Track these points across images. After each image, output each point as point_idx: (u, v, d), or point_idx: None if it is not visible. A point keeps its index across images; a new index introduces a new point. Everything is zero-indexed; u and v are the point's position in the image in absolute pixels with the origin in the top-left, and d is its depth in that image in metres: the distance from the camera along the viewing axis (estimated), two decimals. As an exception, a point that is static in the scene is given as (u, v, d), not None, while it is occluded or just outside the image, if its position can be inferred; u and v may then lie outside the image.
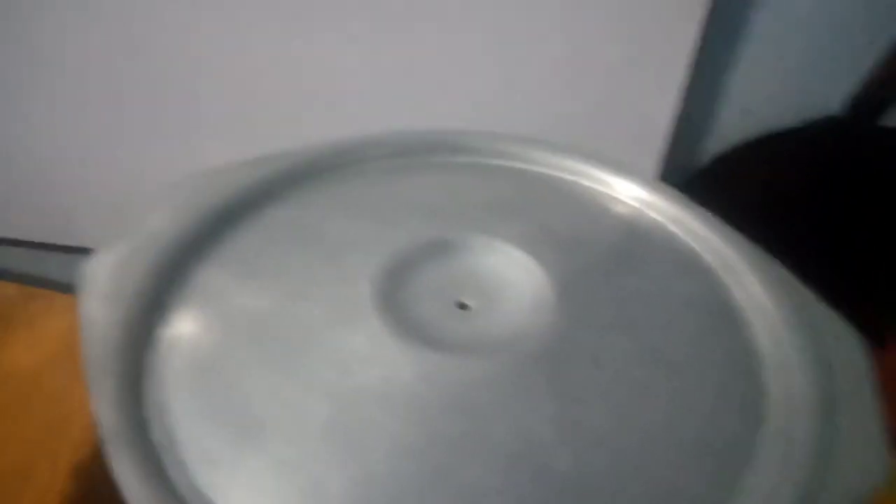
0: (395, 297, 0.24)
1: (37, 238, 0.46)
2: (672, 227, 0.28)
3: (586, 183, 0.30)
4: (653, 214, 0.29)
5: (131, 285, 0.24)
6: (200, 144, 0.47)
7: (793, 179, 0.46)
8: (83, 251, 0.24)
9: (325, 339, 0.22)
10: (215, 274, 0.25)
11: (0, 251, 0.46)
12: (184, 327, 0.23)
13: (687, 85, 0.42)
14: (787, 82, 0.46)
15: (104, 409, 0.20)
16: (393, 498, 0.19)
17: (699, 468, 0.20)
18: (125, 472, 0.19)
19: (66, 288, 0.37)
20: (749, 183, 0.47)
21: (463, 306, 0.24)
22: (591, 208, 0.29)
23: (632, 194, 0.29)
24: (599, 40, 0.43)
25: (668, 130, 0.43)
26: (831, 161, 0.47)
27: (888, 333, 0.44)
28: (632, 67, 0.42)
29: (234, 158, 0.28)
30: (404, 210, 0.27)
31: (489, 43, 0.44)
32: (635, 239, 0.28)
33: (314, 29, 0.45)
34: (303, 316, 0.23)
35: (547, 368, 0.22)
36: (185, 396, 0.21)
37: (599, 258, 0.26)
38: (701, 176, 0.49)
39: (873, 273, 0.45)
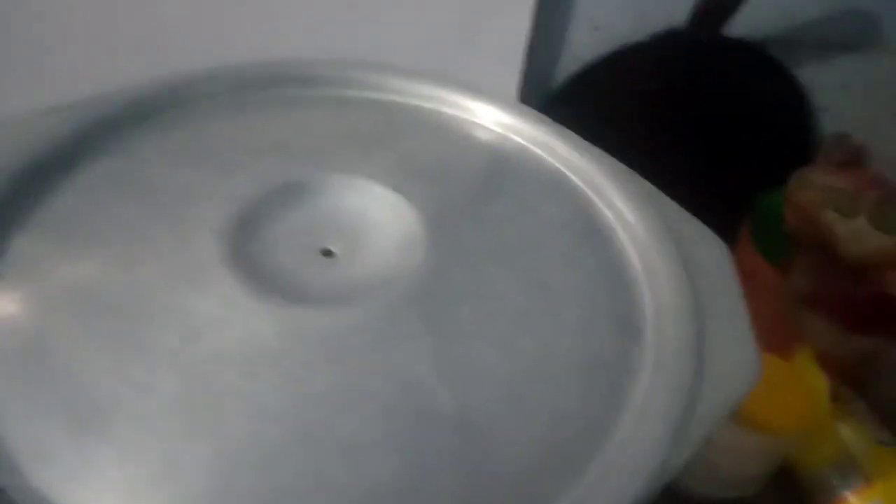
0: (246, 249, 0.21)
1: None
2: (537, 150, 0.28)
3: (447, 110, 0.29)
4: (517, 138, 0.28)
5: (-80, 266, 0.20)
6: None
7: (642, 91, 0.47)
8: None
9: (166, 304, 0.20)
10: (29, 242, 0.21)
11: None
12: (1, 307, 0.20)
13: (538, 4, 0.41)
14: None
15: None
16: (259, 465, 0.17)
17: (583, 389, 0.20)
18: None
19: None
20: (603, 98, 0.48)
21: (327, 253, 0.22)
22: (454, 136, 0.28)
23: (495, 119, 0.28)
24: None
25: (523, 51, 0.43)
26: (676, 72, 0.48)
27: (736, 232, 0.47)
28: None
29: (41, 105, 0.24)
30: (248, 152, 0.25)
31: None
32: (501, 164, 0.27)
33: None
34: (137, 281, 0.20)
35: (420, 308, 0.20)
36: (9, 387, 0.18)
37: (467, 187, 0.25)
38: (558, 96, 0.48)
39: (721, 174, 0.47)
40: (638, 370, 0.21)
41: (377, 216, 0.23)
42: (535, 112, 0.28)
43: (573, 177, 0.27)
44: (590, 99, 0.48)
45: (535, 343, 0.20)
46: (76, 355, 0.19)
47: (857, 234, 0.40)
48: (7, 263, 0.21)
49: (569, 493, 0.18)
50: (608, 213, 0.25)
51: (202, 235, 0.21)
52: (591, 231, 0.25)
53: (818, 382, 0.40)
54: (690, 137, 0.47)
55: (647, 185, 0.26)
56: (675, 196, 0.26)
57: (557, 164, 0.27)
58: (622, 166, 0.27)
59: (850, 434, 0.40)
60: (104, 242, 0.21)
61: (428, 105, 0.28)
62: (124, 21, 0.41)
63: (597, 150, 0.27)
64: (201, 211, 0.22)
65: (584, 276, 0.23)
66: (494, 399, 0.19)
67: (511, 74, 0.44)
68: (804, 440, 0.40)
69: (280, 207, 0.23)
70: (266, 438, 0.17)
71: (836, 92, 0.51)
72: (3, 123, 0.23)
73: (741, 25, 0.47)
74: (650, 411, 0.19)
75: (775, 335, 0.41)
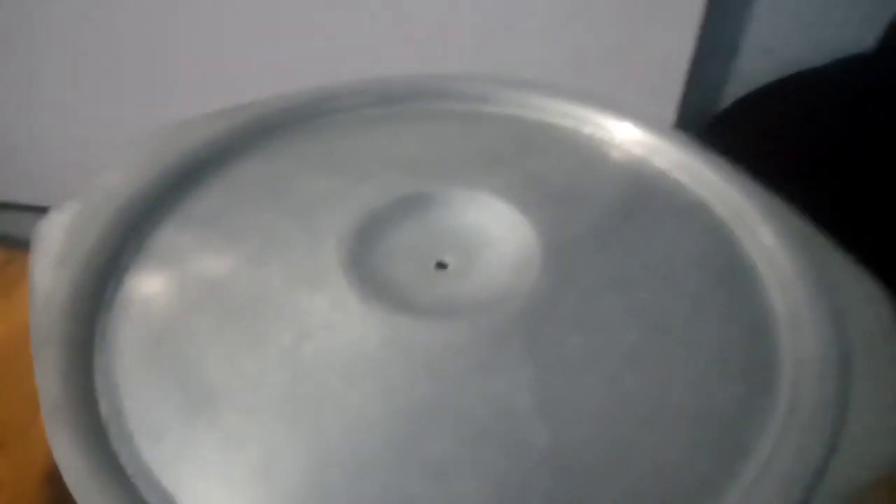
0: (365, 256, 0.22)
1: (22, 200, 0.45)
2: (680, 176, 0.26)
3: (586, 129, 0.28)
4: (659, 163, 0.26)
5: (84, 247, 0.22)
6: (166, 97, 0.45)
7: (819, 123, 0.43)
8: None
9: (286, 302, 0.21)
10: (174, 235, 0.23)
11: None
12: (138, 292, 0.22)
13: (704, 22, 0.39)
14: (811, 18, 0.42)
15: (47, 380, 0.19)
16: (351, 474, 0.17)
17: (696, 442, 0.18)
18: (64, 446, 0.17)
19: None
20: (771, 127, 0.43)
21: (441, 265, 0.22)
22: (590, 157, 0.27)
23: (636, 140, 0.27)
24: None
25: (685, 72, 0.40)
26: (861, 103, 0.43)
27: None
28: (645, 3, 0.39)
29: (200, 112, 0.27)
30: (381, 163, 0.25)
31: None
32: (637, 190, 0.25)
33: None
34: (264, 279, 0.21)
35: (527, 333, 0.20)
36: (137, 365, 0.20)
37: (595, 211, 0.24)
38: (720, 121, 0.45)
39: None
40: (764, 430, 0.18)
41: (496, 233, 0.23)
42: (683, 135, 0.26)
43: (718, 208, 0.25)
44: (755, 125, 0.44)
45: (647, 386, 0.19)
46: (196, 343, 0.20)
47: None
48: (152, 253, 0.23)
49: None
50: (754, 251, 0.23)
51: (326, 240, 0.22)
52: (730, 269, 0.23)
53: None
54: (872, 178, 0.42)
55: (806, 225, 0.24)
56: (842, 244, 0.23)
57: (701, 193, 0.25)
58: (778, 201, 0.24)
59: None
60: (238, 240, 0.23)
61: (566, 123, 0.27)
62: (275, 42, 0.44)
63: (750, 181, 0.25)
64: (329, 217, 0.23)
65: (714, 318, 0.21)
66: (594, 440, 0.18)
67: (670, 97, 0.42)
68: None
69: (402, 218, 0.23)
70: (359, 447, 0.18)
71: None
72: (167, 127, 0.26)
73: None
74: (771, 476, 0.17)
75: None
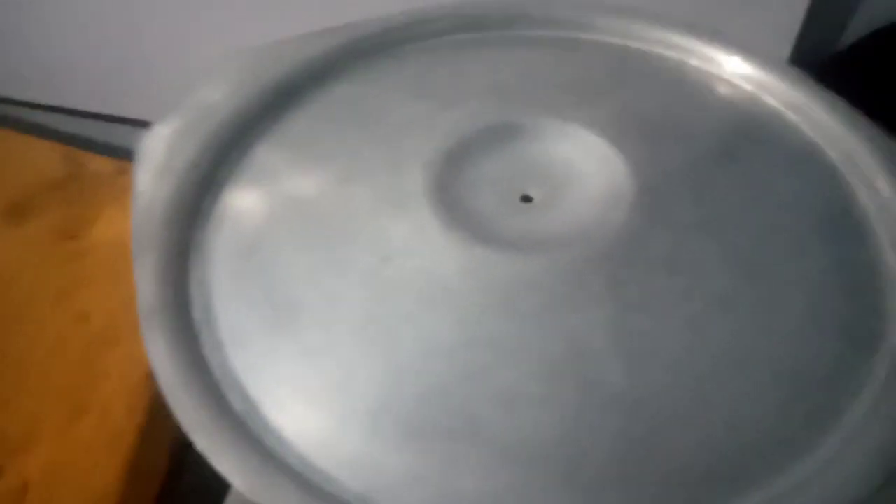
0: (449, 184, 0.21)
1: (130, 114, 0.47)
2: (792, 116, 0.24)
3: (693, 62, 0.26)
4: (769, 100, 0.24)
5: (184, 159, 0.23)
6: (267, 14, 0.45)
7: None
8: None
9: (370, 225, 0.21)
10: (269, 152, 0.24)
11: (95, 126, 0.48)
12: (233, 205, 0.22)
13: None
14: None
15: (145, 284, 0.20)
16: (422, 395, 0.18)
17: (782, 398, 0.17)
18: (158, 349, 0.19)
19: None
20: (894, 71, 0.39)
21: (526, 198, 0.22)
22: (695, 91, 0.25)
23: (746, 75, 0.25)
24: None
25: (805, 7, 0.37)
26: None
27: None
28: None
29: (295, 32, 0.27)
30: (473, 90, 0.24)
31: None
32: (743, 127, 0.24)
33: None
34: (351, 201, 0.22)
35: (611, 271, 0.19)
36: (228, 275, 0.21)
37: (695, 150, 0.23)
38: (839, 60, 0.41)
39: None
40: (861, 391, 0.17)
41: (587, 168, 0.22)
42: (797, 71, 0.24)
43: (831, 151, 0.23)
44: (879, 66, 0.40)
45: (733, 335, 0.18)
46: (284, 258, 0.21)
47: None
48: (246, 168, 0.23)
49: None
50: (868, 200, 0.21)
51: (412, 165, 0.22)
52: (839, 219, 0.21)
53: None
54: None
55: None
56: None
57: (814, 135, 0.23)
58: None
59: None
60: (328, 162, 0.23)
61: (670, 54, 0.26)
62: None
63: (868, 125, 0.23)
64: (417, 143, 0.23)
65: (816, 270, 0.20)
66: (671, 386, 0.17)
67: (787, 30, 0.38)
68: None
69: (489, 147, 0.22)
70: (431, 370, 0.18)
71: None
72: (266, 46, 0.26)
73: None
74: (863, 440, 0.16)
75: None
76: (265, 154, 0.24)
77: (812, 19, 0.37)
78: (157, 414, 0.33)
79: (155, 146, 0.23)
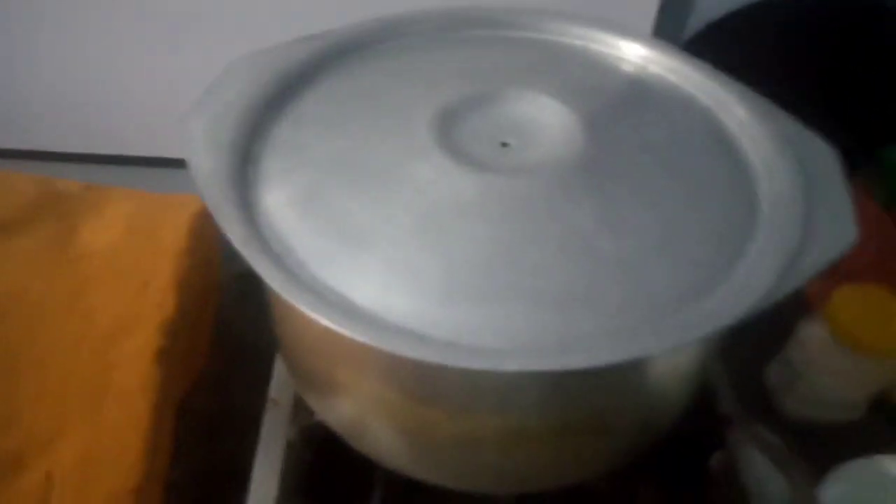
0: (450, 137, 0.28)
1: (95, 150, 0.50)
2: (671, 77, 0.33)
3: (595, 47, 0.35)
4: (654, 69, 0.34)
5: (224, 137, 0.28)
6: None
7: (776, 44, 0.51)
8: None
9: (399, 170, 0.27)
10: (291, 130, 0.29)
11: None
12: (276, 169, 0.28)
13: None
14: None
15: (231, 229, 0.25)
16: (477, 274, 0.24)
17: (715, 243, 0.26)
18: (263, 269, 0.24)
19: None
20: (736, 47, 0.52)
21: (505, 144, 0.29)
22: (603, 66, 0.34)
23: (635, 53, 0.34)
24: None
25: (657, 5, 0.48)
26: (799, 28, 0.52)
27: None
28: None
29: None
30: (448, 74, 0.32)
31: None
32: (642, 87, 0.33)
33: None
34: (376, 154, 0.28)
35: (581, 181, 0.27)
36: (293, 217, 0.26)
37: (615, 102, 0.31)
38: (691, 44, 0.53)
39: (846, 126, 0.50)
40: (757, 234, 0.26)
41: (545, 119, 0.30)
42: (671, 45, 0.34)
43: (703, 98, 0.32)
44: (715, 54, 0.52)
45: (675, 211, 0.26)
46: (338, 200, 0.26)
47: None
48: (276, 143, 0.29)
49: (701, 306, 0.24)
50: (732, 124, 0.31)
51: (419, 127, 0.28)
52: (719, 136, 0.30)
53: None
54: (812, 92, 0.50)
55: (767, 103, 0.31)
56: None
57: (690, 89, 0.32)
58: (745, 88, 0.32)
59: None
60: (345, 130, 0.29)
61: (580, 42, 0.34)
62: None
63: (724, 76, 0.32)
64: (416, 111, 0.29)
65: (711, 168, 0.29)
66: (641, 246, 0.25)
67: (644, 26, 0.49)
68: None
69: (471, 111, 0.29)
70: (478, 257, 0.24)
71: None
72: (266, 50, 0.31)
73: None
74: (764, 261, 0.25)
75: (888, 270, 0.45)
76: (290, 131, 0.29)
77: (662, 14, 0.48)
78: (166, 397, 0.36)
79: (194, 131, 0.28)
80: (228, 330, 0.45)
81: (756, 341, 0.38)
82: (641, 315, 0.24)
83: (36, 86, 0.52)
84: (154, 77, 0.52)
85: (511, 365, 0.21)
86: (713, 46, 0.52)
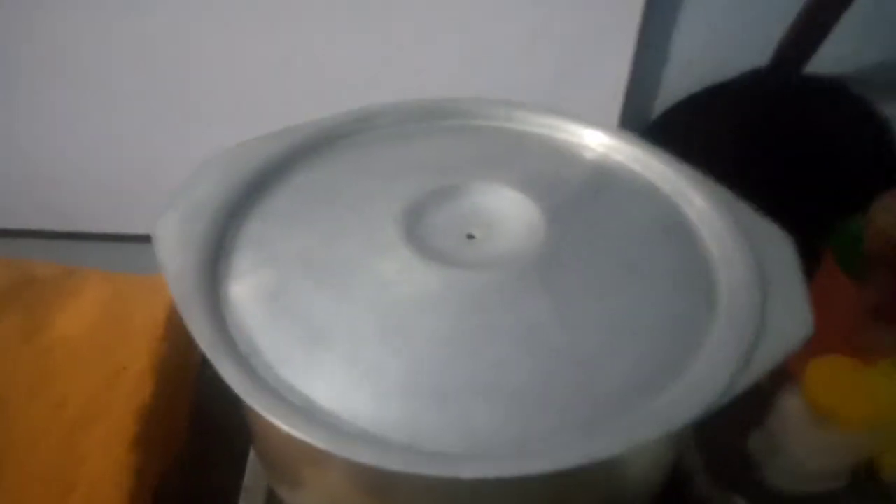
0: (415, 232, 0.29)
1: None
2: (633, 166, 0.34)
3: (559, 135, 0.36)
4: (617, 157, 0.35)
5: (195, 236, 0.29)
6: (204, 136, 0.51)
7: (723, 129, 0.53)
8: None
9: (364, 265, 0.28)
10: (261, 226, 0.30)
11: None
12: (245, 266, 0.28)
13: (636, 50, 0.48)
14: (719, 40, 0.52)
15: (197, 330, 0.25)
16: (437, 372, 0.24)
17: (668, 338, 0.26)
18: (228, 374, 0.24)
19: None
20: (689, 135, 0.54)
21: (470, 236, 0.30)
22: (566, 155, 0.35)
23: (598, 141, 0.35)
24: (558, 17, 0.49)
25: (623, 90, 0.50)
26: (758, 109, 0.54)
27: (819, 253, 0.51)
28: (587, 38, 0.48)
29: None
30: (410, 167, 0.33)
31: (462, 27, 0.50)
32: (604, 176, 0.34)
33: (303, 29, 0.50)
34: (342, 251, 0.29)
35: (541, 275, 0.27)
36: (260, 315, 0.27)
37: (577, 192, 0.32)
38: (651, 131, 0.55)
39: (804, 202, 0.52)
40: (713, 327, 0.27)
41: (509, 212, 0.30)
42: (632, 135, 0.35)
43: (663, 185, 0.33)
44: (678, 135, 0.54)
45: (629, 304, 0.27)
46: (304, 298, 0.27)
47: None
48: (245, 239, 0.30)
49: (655, 404, 0.24)
50: (691, 213, 0.32)
51: (385, 222, 0.29)
52: (676, 226, 0.31)
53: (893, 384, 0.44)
54: (772, 170, 0.52)
55: (727, 193, 0.32)
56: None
57: (649, 176, 0.34)
58: (705, 177, 0.33)
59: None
60: (312, 227, 0.30)
61: (544, 132, 0.36)
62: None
63: (683, 164, 0.33)
64: (381, 206, 0.30)
65: (670, 260, 0.29)
66: (597, 341, 0.26)
67: (612, 110, 0.51)
68: (884, 435, 0.43)
69: (437, 204, 0.30)
70: (439, 355, 0.25)
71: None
72: (238, 146, 0.32)
73: (820, 64, 0.53)
74: (720, 355, 0.25)
75: (854, 342, 0.45)
76: (258, 228, 0.30)
77: (629, 100, 0.50)
78: (142, 485, 0.36)
79: (167, 231, 0.29)
80: (206, 410, 0.45)
81: (737, 410, 0.38)
82: (600, 411, 0.24)
83: (10, 165, 0.53)
84: (132, 155, 0.53)
85: (468, 472, 0.21)
86: (677, 127, 0.54)
